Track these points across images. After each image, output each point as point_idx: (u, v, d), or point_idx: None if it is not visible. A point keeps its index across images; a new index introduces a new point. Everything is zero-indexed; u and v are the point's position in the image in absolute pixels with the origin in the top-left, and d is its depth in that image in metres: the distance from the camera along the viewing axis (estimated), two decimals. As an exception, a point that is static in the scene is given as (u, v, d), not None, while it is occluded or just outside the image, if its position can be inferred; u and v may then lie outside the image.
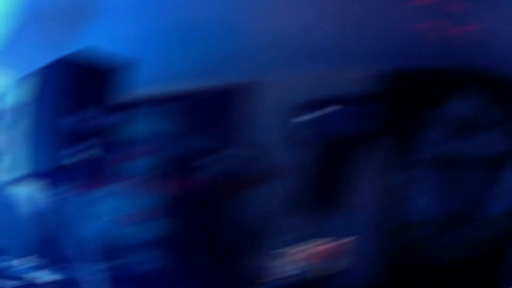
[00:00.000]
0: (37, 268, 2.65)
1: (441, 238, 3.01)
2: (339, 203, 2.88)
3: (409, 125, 2.93)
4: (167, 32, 2.95)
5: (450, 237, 2.90)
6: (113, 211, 3.50)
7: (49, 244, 3.65)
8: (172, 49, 3.10)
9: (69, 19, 2.99)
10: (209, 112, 3.33)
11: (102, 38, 2.96)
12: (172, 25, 2.92)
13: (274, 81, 3.08)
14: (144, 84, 2.73)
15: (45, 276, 2.59)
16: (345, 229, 2.80)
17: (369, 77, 2.97)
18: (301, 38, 2.86)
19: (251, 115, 3.27)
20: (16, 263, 2.77)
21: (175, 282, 2.76)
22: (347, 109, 2.93)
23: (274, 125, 3.03)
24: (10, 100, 4.24)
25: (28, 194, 4.16)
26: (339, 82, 2.93)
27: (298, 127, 3.01)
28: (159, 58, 3.20)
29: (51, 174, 2.11)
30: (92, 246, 3.64)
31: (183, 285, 2.72)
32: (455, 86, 2.86)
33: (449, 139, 2.92)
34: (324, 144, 2.98)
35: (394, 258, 2.99)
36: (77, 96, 2.12)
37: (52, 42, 3.23)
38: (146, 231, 3.46)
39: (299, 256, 2.53)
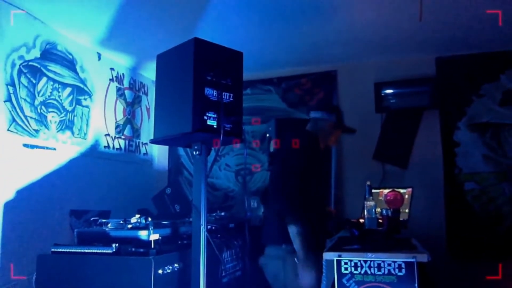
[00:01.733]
0: (142, 227, 2.83)
1: (489, 191, 3.76)
2: (403, 159, 3.58)
3: (456, 100, 3.75)
4: (268, 27, 3.50)
5: (497, 190, 3.66)
6: (238, 163, 3.92)
7: (165, 201, 3.78)
8: (272, 41, 3.68)
9: (181, 8, 3.35)
10: (303, 91, 3.98)
11: (212, 27, 3.39)
12: (271, 21, 3.47)
13: (351, 68, 3.82)
14: (252, 69, 3.17)
15: (150, 234, 2.78)
16: (408, 180, 3.46)
17: (425, 63, 3.80)
18: (372, 33, 3.63)
19: (333, 93, 3.98)
20: (121, 224, 2.91)
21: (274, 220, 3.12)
22: (406, 88, 3.75)
23: (351, 100, 3.72)
24: (131, 79, 4.38)
25: (159, 153, 4.33)
26: (401, 67, 3.74)
27: (368, 103, 3.73)
28: (262, 48, 3.73)
29: (193, 134, 2.41)
30: (219, 194, 3.88)
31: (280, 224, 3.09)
32: (500, 67, 3.68)
33: (493, 110, 3.75)
34: (388, 114, 3.73)
35: (451, 206, 3.65)
36: (208, 73, 2.50)
37: (166, 28, 3.55)
38: (259, 180, 3.87)
39: (377, 200, 3.05)
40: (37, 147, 3.55)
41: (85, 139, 4.06)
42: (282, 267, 3.06)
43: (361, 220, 3.10)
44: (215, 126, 2.37)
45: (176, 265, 2.70)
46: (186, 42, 2.45)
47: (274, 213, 3.05)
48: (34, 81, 3.54)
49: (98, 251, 2.65)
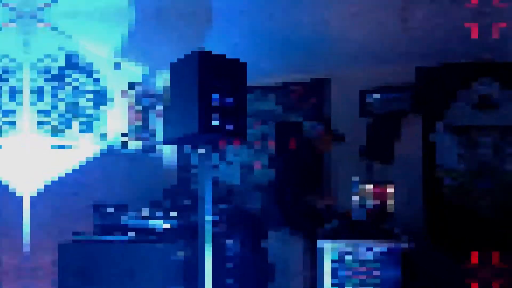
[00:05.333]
0: (155, 217, 3.03)
1: (466, 188, 3.90)
2: (386, 157, 3.74)
3: (434, 105, 3.89)
4: (267, 38, 3.68)
5: (473, 187, 3.80)
6: (239, 161, 4.13)
7: (175, 195, 4.00)
8: (270, 51, 3.86)
9: (188, 20, 3.56)
10: (297, 97, 4.16)
11: (216, 38, 3.60)
12: (271, 33, 3.66)
13: (341, 76, 3.98)
14: (250, 76, 3.35)
15: (161, 224, 2.98)
16: (392, 176, 3.63)
17: (406, 72, 3.94)
18: (360, 44, 3.80)
19: (325, 100, 4.15)
20: (136, 215, 3.12)
21: (272, 218, 3.32)
22: (389, 94, 3.89)
23: (341, 106, 3.90)
24: (147, 87, 4.61)
25: (171, 153, 4.54)
26: (385, 76, 3.88)
27: (356, 109, 3.88)
28: (260, 58, 3.91)
29: (199, 135, 2.62)
30: (220, 188, 4.08)
31: (278, 220, 3.28)
32: (475, 75, 3.84)
33: (468, 113, 3.90)
34: (374, 118, 3.89)
35: (430, 199, 3.81)
36: (211, 80, 2.71)
37: (175, 39, 3.75)
38: (259, 177, 4.06)
39: (364, 193, 3.25)
40: (62, 147, 3.76)
41: (105, 140, 4.27)
42: (284, 248, 3.24)
43: (350, 212, 3.28)
44: (219, 128, 2.57)
45: (184, 252, 2.92)
46: (192, 52, 2.66)
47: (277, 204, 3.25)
48: (58, 89, 3.75)
49: (114, 239, 2.87)
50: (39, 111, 3.56)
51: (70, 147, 3.88)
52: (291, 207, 3.16)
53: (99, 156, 4.20)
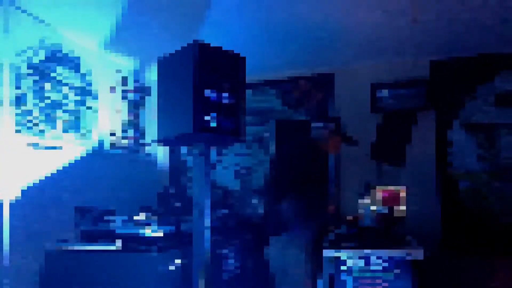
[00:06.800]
0: (146, 224, 2.79)
1: (484, 191, 3.67)
2: (399, 158, 3.48)
3: (450, 101, 3.61)
4: (268, 31, 3.42)
5: (491, 188, 3.58)
6: (237, 162, 3.85)
7: (168, 199, 3.72)
8: (272, 44, 3.59)
9: (184, 12, 3.29)
10: (302, 93, 3.87)
11: (214, 31, 3.33)
12: (271, 25, 3.39)
13: (348, 70, 3.70)
14: (252, 71, 3.10)
15: (153, 231, 2.74)
16: (404, 179, 3.39)
17: (420, 66, 3.68)
18: (368, 37, 3.52)
19: (331, 95, 3.88)
20: (125, 221, 2.87)
21: (273, 222, 3.10)
22: (401, 89, 3.61)
23: (349, 102, 3.62)
24: (136, 81, 4.31)
25: (162, 153, 4.26)
26: (397, 69, 3.61)
27: (365, 105, 3.60)
28: (263, 52, 3.65)
29: (194, 135, 2.38)
30: (217, 192, 3.80)
31: (281, 224, 3.05)
32: (494, 69, 3.57)
33: (487, 110, 3.66)
34: (384, 115, 3.61)
35: (446, 204, 3.57)
36: (209, 75, 2.47)
37: (169, 31, 3.49)
38: (258, 180, 3.80)
39: (374, 198, 3.01)
40: (43, 147, 3.51)
41: (90, 139, 4.03)
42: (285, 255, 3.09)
43: (358, 218, 3.08)
44: (215, 127, 2.35)
45: (179, 261, 2.69)
46: (187, 45, 2.43)
47: (276, 209, 3.06)
48: (40, 83, 3.50)
49: (102, 248, 2.64)
50: (19, 108, 3.29)
51: (53, 147, 3.63)
52: (294, 213, 2.94)
53: (85, 156, 3.93)
